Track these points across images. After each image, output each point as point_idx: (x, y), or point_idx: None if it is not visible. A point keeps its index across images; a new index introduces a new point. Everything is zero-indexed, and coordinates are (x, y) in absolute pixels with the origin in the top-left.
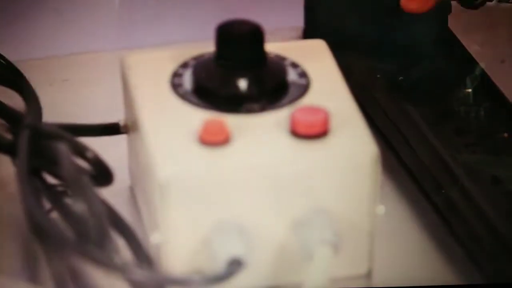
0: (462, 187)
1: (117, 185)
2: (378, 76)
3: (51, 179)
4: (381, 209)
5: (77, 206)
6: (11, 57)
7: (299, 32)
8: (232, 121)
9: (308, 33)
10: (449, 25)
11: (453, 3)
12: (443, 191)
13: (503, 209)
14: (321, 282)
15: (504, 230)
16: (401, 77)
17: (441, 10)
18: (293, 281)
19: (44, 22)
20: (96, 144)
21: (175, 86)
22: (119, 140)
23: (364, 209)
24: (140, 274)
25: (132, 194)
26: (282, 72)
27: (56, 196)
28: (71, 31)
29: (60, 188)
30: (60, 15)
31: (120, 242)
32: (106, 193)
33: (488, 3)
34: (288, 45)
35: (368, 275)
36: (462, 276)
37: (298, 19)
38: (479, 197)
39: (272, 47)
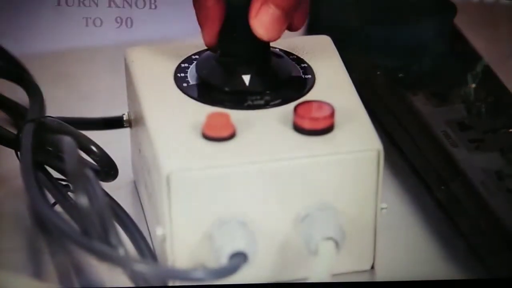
0: (465, 182)
1: (120, 179)
2: (381, 71)
3: (55, 173)
4: (384, 204)
5: (81, 200)
6: (14, 51)
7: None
8: (236, 116)
9: (312, 28)
10: (455, 21)
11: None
12: (446, 186)
13: (506, 204)
14: (325, 277)
15: (507, 224)
16: (404, 73)
17: (445, 10)
18: (297, 276)
19: (46, 17)
20: (99, 138)
21: (179, 80)
22: (122, 134)
23: (367, 204)
24: (143, 267)
25: (135, 188)
26: (287, 68)
27: (60, 190)
28: (73, 26)
29: (64, 182)
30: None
31: (123, 236)
32: (109, 187)
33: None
34: (293, 41)
35: (372, 269)
36: (465, 270)
37: None
38: (482, 192)
39: (277, 42)
